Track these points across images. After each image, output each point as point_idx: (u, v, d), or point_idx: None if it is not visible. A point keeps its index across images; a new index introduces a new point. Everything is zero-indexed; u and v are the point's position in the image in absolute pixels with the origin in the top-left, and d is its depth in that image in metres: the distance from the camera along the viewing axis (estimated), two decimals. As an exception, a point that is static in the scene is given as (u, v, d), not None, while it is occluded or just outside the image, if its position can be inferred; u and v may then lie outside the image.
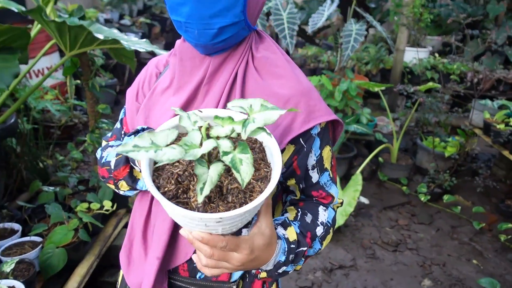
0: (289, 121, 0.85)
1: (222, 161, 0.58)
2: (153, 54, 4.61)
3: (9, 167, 2.32)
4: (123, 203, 2.31)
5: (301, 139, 0.87)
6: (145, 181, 0.59)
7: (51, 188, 2.23)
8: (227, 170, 0.62)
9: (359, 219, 3.17)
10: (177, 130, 0.59)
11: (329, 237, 0.92)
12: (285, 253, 0.79)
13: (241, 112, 0.64)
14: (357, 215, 3.21)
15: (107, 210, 2.04)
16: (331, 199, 0.95)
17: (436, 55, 5.27)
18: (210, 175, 0.56)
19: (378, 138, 3.70)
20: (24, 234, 1.85)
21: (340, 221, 2.80)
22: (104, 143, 1.05)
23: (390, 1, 5.30)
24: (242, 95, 0.85)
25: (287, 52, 3.59)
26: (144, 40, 2.03)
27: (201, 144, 0.57)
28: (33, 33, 1.87)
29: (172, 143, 0.57)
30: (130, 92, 1.00)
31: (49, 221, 1.93)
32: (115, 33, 1.96)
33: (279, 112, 0.58)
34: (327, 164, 0.93)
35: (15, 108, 1.97)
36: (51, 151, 3.21)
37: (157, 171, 0.63)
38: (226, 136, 0.59)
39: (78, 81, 2.36)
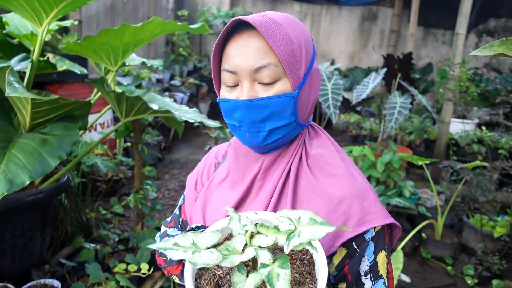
0: (342, 223, 0.83)
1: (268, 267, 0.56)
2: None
3: (56, 222, 2.42)
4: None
5: (354, 243, 0.84)
6: (186, 282, 0.59)
7: (93, 245, 2.28)
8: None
9: (400, 299, 3.00)
10: (222, 232, 0.61)
11: None
12: None
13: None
14: (397, 294, 3.04)
15: (143, 273, 2.06)
16: None
17: (483, 128, 5.16)
18: (247, 285, 0.54)
19: (421, 212, 3.57)
20: (62, 291, 1.89)
21: (379, 301, 2.66)
22: (163, 228, 1.08)
23: (435, 73, 5.32)
24: (295, 193, 0.85)
25: (330, 122, 3.63)
26: (194, 109, 2.14)
27: (243, 250, 0.57)
28: (94, 99, 2.01)
29: (216, 245, 0.58)
30: (190, 180, 1.03)
31: (88, 280, 1.96)
32: (167, 102, 2.08)
33: (327, 229, 0.58)
34: (382, 271, 0.88)
35: (70, 167, 2.09)
36: (97, 205, 3.32)
37: (202, 269, 0.64)
38: (268, 247, 0.58)
39: (128, 144, 2.47)
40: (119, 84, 2.21)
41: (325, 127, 4.34)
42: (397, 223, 0.90)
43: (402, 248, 3.01)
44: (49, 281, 1.91)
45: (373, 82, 3.64)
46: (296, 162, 0.87)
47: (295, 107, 0.81)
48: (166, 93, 6.03)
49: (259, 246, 0.59)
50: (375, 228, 0.85)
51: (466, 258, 3.57)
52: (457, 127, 4.93)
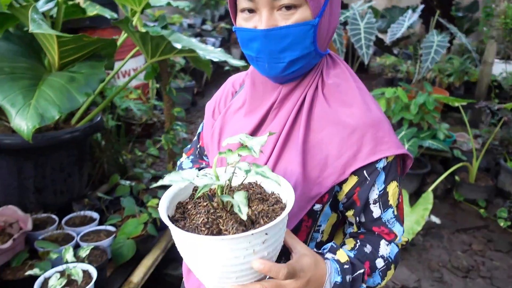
0: (354, 151, 0.82)
1: (242, 191, 0.65)
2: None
3: (93, 160, 2.56)
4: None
5: (365, 171, 0.84)
6: (160, 210, 0.67)
7: (128, 182, 2.41)
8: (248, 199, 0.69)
9: (428, 239, 3.02)
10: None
11: (390, 273, 0.88)
12: (340, 273, 0.78)
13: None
14: (426, 234, 3.06)
15: (174, 208, 2.17)
16: (393, 237, 0.90)
17: (530, 69, 4.85)
18: (238, 200, 0.61)
19: (456, 155, 3.49)
20: (101, 222, 2.03)
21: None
22: (183, 156, 1.13)
23: (481, 11, 4.97)
24: (308, 121, 0.85)
25: (362, 63, 3.52)
26: (220, 49, 2.13)
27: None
28: (120, 40, 2.05)
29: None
30: (208, 108, 1.05)
31: (123, 213, 2.09)
32: (192, 42, 2.08)
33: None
34: (392, 201, 0.88)
35: (102, 108, 2.17)
36: (131, 147, 3.47)
37: (184, 226, 0.67)
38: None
39: (157, 85, 2.52)
40: (146, 26, 2.22)
41: (359, 69, 4.22)
42: (410, 154, 0.89)
43: (434, 191, 2.99)
44: (88, 213, 2.06)
45: (409, 20, 3.45)
46: (312, 91, 0.86)
47: (315, 35, 0.78)
48: (198, 38, 6.00)
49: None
50: (387, 158, 0.84)
51: (500, 202, 3.50)
52: (501, 68, 4.66)
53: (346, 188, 0.86)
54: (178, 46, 1.84)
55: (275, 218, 0.65)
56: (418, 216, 2.75)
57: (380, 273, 0.86)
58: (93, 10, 2.52)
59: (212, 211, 0.67)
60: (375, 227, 0.90)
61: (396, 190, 0.88)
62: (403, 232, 0.91)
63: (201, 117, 5.01)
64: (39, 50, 1.65)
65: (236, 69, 4.72)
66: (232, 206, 0.66)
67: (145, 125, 3.96)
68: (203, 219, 0.64)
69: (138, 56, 4.62)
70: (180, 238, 0.63)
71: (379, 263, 0.86)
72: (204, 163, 1.09)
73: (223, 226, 0.64)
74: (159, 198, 2.23)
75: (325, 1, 0.79)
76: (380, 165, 0.84)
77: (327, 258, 0.80)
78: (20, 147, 1.83)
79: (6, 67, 1.38)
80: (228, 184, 0.70)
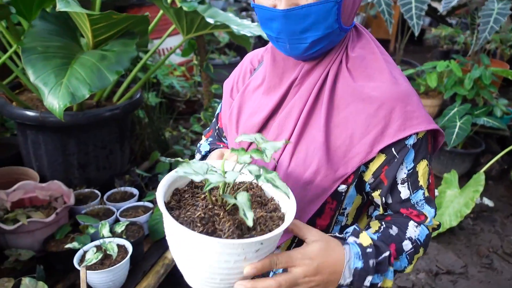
0: (382, 128, 0.77)
1: (244, 191, 0.62)
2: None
3: (135, 136, 2.62)
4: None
5: (393, 149, 0.79)
6: (157, 198, 0.64)
7: (168, 159, 2.45)
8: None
9: (479, 222, 2.85)
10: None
11: (417, 256, 0.84)
12: (361, 258, 0.73)
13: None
14: (477, 218, 2.89)
15: (211, 185, 2.18)
16: (424, 218, 0.85)
17: None
18: (242, 202, 0.58)
19: (514, 134, 3.24)
20: (140, 198, 2.08)
21: (453, 222, 2.56)
22: (203, 138, 1.11)
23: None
24: (331, 98, 0.81)
25: (413, 34, 3.31)
26: (256, 24, 2.07)
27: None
28: (156, 18, 2.04)
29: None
30: (226, 87, 1.02)
31: (162, 189, 2.13)
32: (229, 17, 2.04)
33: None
34: (422, 181, 0.83)
35: (141, 85, 2.20)
36: (175, 124, 3.52)
37: (179, 216, 0.64)
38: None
39: (195, 62, 2.51)
40: (183, 1, 2.20)
41: (412, 41, 3.98)
42: (441, 130, 0.82)
43: (488, 171, 2.80)
44: (128, 189, 2.12)
45: (467, -14, 3.18)
46: (336, 66, 0.81)
47: (339, 13, 0.73)
48: (244, 13, 5.92)
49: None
50: (417, 134, 0.79)
51: None
52: None
53: (373, 167, 0.81)
54: (211, 21, 1.80)
55: (271, 227, 0.63)
56: (467, 198, 2.59)
57: (408, 256, 0.82)
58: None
59: (210, 206, 0.64)
60: (403, 209, 0.85)
61: (426, 170, 0.83)
62: (435, 214, 0.85)
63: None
64: (75, 29, 1.67)
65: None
66: (230, 205, 0.65)
67: (189, 102, 4.00)
68: (200, 214, 0.62)
69: (179, 34, 4.64)
70: (173, 228, 0.61)
71: (406, 245, 0.81)
72: (221, 145, 1.06)
73: (218, 226, 0.62)
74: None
75: None
76: (410, 141, 0.78)
77: (347, 243, 0.75)
78: (62, 124, 1.90)
79: (40, 46, 1.41)
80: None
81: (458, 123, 2.99)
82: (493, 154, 3.21)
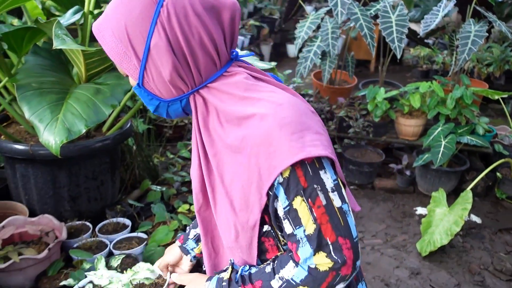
0: (258, 174, 0.79)
1: None
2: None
3: (125, 165, 2.59)
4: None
5: (269, 191, 0.80)
6: None
7: (159, 187, 2.43)
8: None
9: (468, 240, 2.89)
10: None
11: None
12: (217, 285, 0.89)
13: None
14: (466, 235, 2.94)
15: (205, 213, 2.17)
16: (298, 259, 0.81)
17: None
18: None
19: (497, 150, 3.32)
20: (133, 229, 2.06)
21: (444, 240, 2.59)
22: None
23: (522, -5, 4.70)
24: (208, 160, 0.89)
25: (395, 57, 3.40)
26: (245, 51, 2.10)
27: None
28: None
29: None
30: None
31: (154, 219, 2.11)
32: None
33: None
34: (304, 218, 0.78)
35: (131, 115, 2.19)
36: (163, 150, 3.51)
37: None
38: None
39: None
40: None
41: (392, 61, 4.08)
42: (317, 154, 0.76)
43: (474, 188, 2.85)
44: (120, 219, 2.09)
45: (444, 9, 3.29)
46: (198, 131, 0.87)
47: (149, 93, 0.84)
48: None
49: None
50: (281, 173, 0.77)
51: (547, 199, 3.32)
52: (546, 55, 4.40)
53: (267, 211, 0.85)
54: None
55: None
56: (456, 216, 2.63)
57: None
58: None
59: None
60: (289, 243, 0.83)
61: (305, 205, 0.78)
62: (313, 255, 0.79)
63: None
64: (67, 63, 1.67)
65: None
66: None
67: (176, 127, 3.99)
68: None
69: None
70: None
71: (275, 283, 0.83)
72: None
73: None
74: (190, 204, 2.24)
75: (143, 59, 0.80)
76: (279, 180, 0.78)
77: (209, 279, 0.93)
78: (53, 157, 1.86)
79: (34, 83, 1.41)
80: None
81: (443, 142, 3.05)
82: (478, 171, 3.29)
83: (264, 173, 0.78)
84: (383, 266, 2.62)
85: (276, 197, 0.80)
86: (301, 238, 0.80)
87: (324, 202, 0.78)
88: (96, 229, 2.01)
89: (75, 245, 1.87)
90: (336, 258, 0.78)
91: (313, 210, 0.78)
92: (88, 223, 2.03)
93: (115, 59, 0.82)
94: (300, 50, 3.75)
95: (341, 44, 5.01)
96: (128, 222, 2.07)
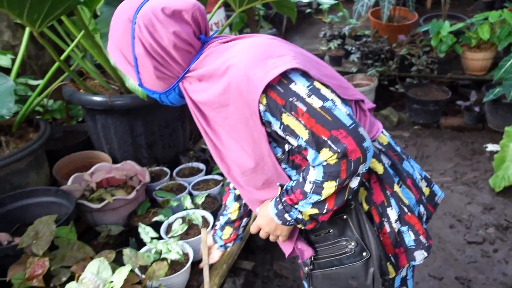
0: (248, 113, 0.93)
1: None
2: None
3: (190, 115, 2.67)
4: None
5: (262, 121, 0.94)
6: None
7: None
8: None
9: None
10: None
11: (325, 191, 0.94)
12: (275, 206, 1.03)
13: None
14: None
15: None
16: (311, 162, 0.94)
17: None
18: None
19: None
20: (207, 172, 2.15)
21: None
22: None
23: None
24: (209, 123, 1.06)
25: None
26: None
27: None
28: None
29: None
30: None
31: (226, 162, 2.18)
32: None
33: None
34: (298, 130, 0.90)
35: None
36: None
37: None
38: None
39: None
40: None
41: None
42: (278, 72, 0.87)
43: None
44: (195, 164, 2.19)
45: None
46: (196, 109, 1.05)
47: (149, 90, 1.05)
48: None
49: None
50: (261, 102, 0.90)
51: None
52: None
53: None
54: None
55: None
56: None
57: (313, 194, 0.95)
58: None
59: None
60: (303, 152, 0.99)
61: (293, 119, 0.89)
62: (318, 154, 0.90)
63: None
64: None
65: (319, 11, 4.53)
66: None
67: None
68: None
69: (218, 10, 4.61)
70: None
71: (307, 187, 0.95)
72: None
73: None
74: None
75: (135, 65, 0.99)
76: (261, 108, 0.91)
77: (271, 200, 1.06)
78: (129, 106, 1.97)
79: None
80: None
81: (516, 75, 2.87)
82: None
83: (250, 108, 0.91)
84: (454, 202, 2.58)
85: (269, 122, 0.94)
86: (305, 145, 0.92)
87: (304, 108, 0.88)
88: (174, 173, 2.12)
89: (157, 188, 1.99)
90: (336, 148, 0.87)
91: (299, 119, 0.89)
92: (165, 168, 2.15)
93: (121, 69, 1.04)
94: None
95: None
96: (202, 166, 2.17)
